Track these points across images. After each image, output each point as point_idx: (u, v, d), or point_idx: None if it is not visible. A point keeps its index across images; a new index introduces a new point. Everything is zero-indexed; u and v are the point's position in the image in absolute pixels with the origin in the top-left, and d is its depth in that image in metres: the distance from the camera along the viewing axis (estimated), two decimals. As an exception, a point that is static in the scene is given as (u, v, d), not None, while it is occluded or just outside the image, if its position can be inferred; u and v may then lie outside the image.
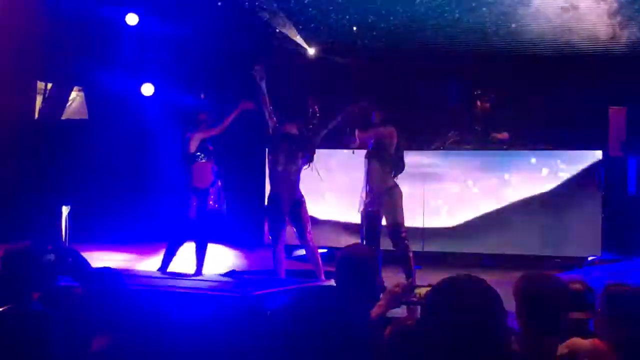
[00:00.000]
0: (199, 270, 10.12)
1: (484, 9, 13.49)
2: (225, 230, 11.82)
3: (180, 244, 10.32)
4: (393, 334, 3.80)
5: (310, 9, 14.46)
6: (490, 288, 3.33)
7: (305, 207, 9.96)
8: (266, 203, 10.23)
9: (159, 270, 10.16)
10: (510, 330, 3.51)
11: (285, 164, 9.92)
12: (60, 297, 5.00)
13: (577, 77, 12.68)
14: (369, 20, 14.25)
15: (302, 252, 10.53)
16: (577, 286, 5.13)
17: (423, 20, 13.96)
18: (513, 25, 13.42)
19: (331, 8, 14.33)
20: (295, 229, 10.01)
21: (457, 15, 13.62)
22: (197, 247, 10.22)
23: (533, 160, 11.90)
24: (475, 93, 13.03)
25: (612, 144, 12.03)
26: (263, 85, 10.05)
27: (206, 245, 10.26)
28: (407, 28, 13.92)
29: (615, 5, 12.90)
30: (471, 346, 3.08)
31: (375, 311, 4.18)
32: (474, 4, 13.55)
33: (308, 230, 9.94)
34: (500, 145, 12.41)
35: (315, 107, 10.01)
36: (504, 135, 12.59)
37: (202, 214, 10.22)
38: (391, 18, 14.32)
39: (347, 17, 14.30)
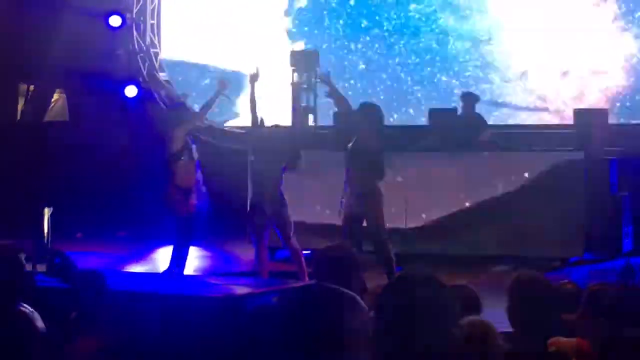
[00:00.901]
0: (180, 271, 10.05)
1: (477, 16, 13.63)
2: (208, 231, 11.77)
3: (189, 243, 10.18)
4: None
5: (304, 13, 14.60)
6: (437, 285, 3.38)
7: (287, 209, 9.95)
8: (249, 204, 10.21)
9: (167, 271, 10.01)
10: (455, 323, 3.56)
11: (267, 165, 9.91)
12: (47, 297, 5.00)
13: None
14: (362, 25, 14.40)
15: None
16: (569, 287, 5.17)
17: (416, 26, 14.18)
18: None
19: (325, 12, 14.45)
20: (278, 231, 9.99)
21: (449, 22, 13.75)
22: (178, 248, 10.13)
23: (517, 160, 11.93)
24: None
25: (594, 145, 12.07)
26: (254, 86, 10.07)
27: (189, 246, 10.20)
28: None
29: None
30: (420, 340, 3.11)
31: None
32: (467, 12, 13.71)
33: (291, 231, 9.94)
34: (483, 147, 12.43)
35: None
36: (486, 135, 12.62)
37: (186, 215, 10.11)
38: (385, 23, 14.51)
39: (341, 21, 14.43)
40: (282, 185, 9.97)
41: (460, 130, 12.58)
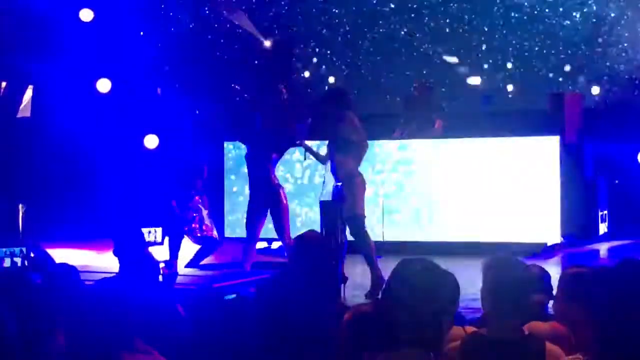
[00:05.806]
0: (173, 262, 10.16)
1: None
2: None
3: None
4: (352, 320, 3.81)
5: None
6: (444, 272, 3.41)
7: (284, 194, 9.99)
8: (249, 196, 10.24)
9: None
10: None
11: (261, 156, 9.99)
12: (22, 292, 4.95)
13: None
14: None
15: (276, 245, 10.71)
16: (534, 270, 5.20)
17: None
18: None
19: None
20: (272, 218, 9.95)
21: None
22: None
23: (491, 146, 11.95)
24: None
25: (568, 130, 12.11)
26: None
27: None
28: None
29: None
30: (423, 326, 3.12)
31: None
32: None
33: (286, 218, 9.91)
34: (458, 134, 12.43)
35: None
36: (439, 125, 12.63)
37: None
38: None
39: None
40: (275, 172, 10.06)
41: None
